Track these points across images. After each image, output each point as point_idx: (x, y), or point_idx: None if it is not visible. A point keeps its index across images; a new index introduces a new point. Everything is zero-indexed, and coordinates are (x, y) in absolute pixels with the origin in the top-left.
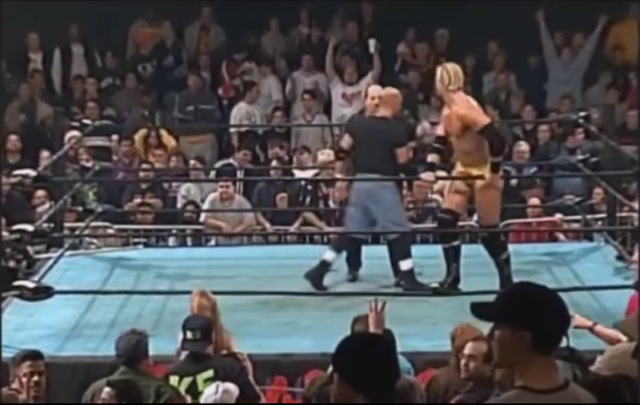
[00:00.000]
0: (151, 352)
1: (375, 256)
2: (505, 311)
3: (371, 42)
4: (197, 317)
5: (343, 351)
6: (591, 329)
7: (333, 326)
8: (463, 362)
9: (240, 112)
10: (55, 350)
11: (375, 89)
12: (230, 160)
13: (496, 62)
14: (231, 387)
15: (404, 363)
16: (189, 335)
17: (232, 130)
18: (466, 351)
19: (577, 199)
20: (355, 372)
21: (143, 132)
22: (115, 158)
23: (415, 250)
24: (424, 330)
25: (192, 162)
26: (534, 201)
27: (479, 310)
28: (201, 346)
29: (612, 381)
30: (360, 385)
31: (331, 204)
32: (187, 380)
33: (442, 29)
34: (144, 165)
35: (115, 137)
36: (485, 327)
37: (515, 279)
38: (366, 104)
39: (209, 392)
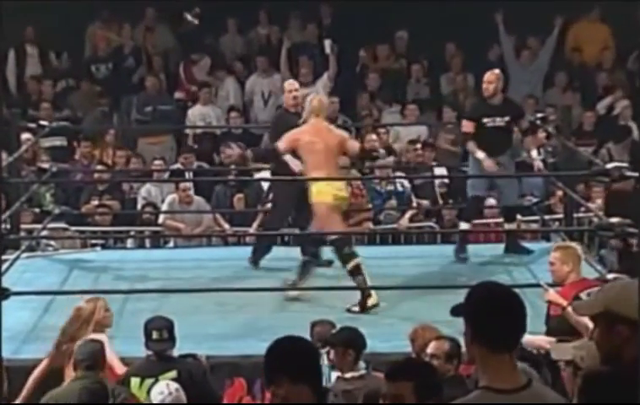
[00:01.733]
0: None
1: None
2: (463, 309)
3: (327, 43)
4: (162, 317)
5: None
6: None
7: (292, 327)
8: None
9: (195, 114)
10: (12, 353)
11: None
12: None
13: (453, 63)
14: (178, 385)
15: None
16: (155, 335)
17: (188, 131)
18: (429, 350)
19: (536, 200)
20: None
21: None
22: (77, 158)
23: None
24: (381, 331)
25: (156, 162)
26: (493, 201)
27: (456, 309)
28: (166, 346)
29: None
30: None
31: None
32: (149, 382)
33: (401, 31)
34: (100, 166)
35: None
36: (443, 327)
37: (473, 280)
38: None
39: (162, 394)
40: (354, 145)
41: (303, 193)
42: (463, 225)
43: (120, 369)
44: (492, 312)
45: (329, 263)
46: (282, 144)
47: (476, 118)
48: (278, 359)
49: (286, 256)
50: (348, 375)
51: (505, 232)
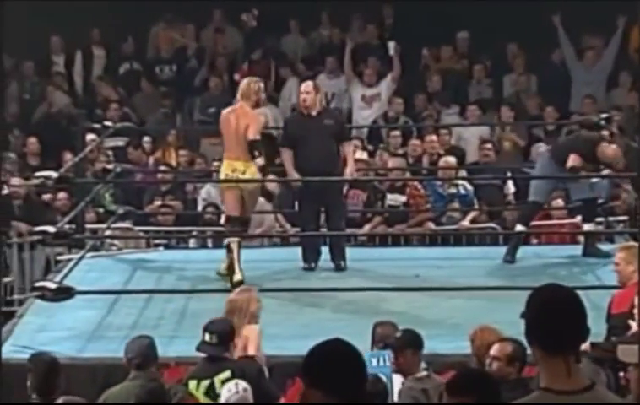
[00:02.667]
0: (172, 354)
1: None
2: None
3: (391, 44)
4: (218, 321)
5: (313, 358)
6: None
7: (353, 328)
8: (487, 362)
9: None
10: (76, 351)
11: (309, 85)
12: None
13: (516, 64)
14: (248, 386)
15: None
16: (207, 338)
17: None
18: (492, 352)
19: (600, 201)
20: (326, 378)
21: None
22: (150, 161)
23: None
24: (445, 331)
25: (215, 163)
26: (558, 202)
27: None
28: (217, 350)
29: None
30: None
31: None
32: (205, 383)
33: (462, 32)
34: (163, 167)
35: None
36: (505, 328)
37: (536, 282)
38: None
39: (229, 391)
40: (250, 132)
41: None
42: (519, 228)
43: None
44: (546, 314)
45: None
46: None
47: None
48: (315, 368)
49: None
50: (419, 375)
51: (569, 233)
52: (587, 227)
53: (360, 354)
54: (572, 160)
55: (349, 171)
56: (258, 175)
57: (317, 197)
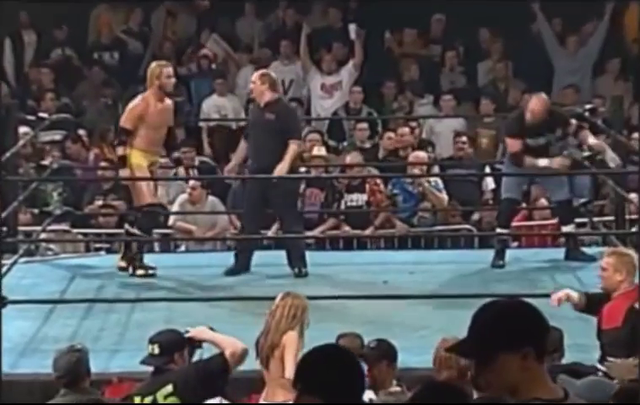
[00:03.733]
0: (115, 369)
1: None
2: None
3: (352, 27)
4: (162, 331)
5: (308, 363)
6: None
7: (314, 340)
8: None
9: (209, 105)
10: (9, 367)
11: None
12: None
13: (492, 50)
14: None
15: None
16: (149, 349)
17: (201, 125)
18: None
19: (583, 200)
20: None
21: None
22: (90, 156)
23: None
24: (415, 343)
25: (161, 160)
26: (542, 202)
27: (461, 350)
28: (160, 361)
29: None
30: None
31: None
32: (148, 400)
33: (437, 14)
34: (104, 163)
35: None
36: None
37: (516, 288)
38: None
39: None
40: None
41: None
42: (499, 230)
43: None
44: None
45: None
46: None
47: (521, 133)
48: (310, 372)
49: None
50: (392, 390)
51: (550, 235)
52: (566, 229)
53: (357, 359)
54: (510, 146)
55: (279, 168)
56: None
57: (258, 196)
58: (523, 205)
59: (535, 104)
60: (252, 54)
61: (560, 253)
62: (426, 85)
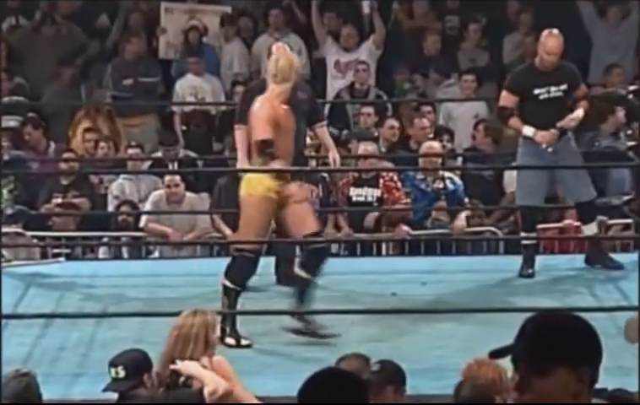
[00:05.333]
0: (77, 395)
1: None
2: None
3: (365, 2)
4: (126, 351)
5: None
6: None
7: (313, 363)
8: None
9: (184, 87)
10: None
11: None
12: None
13: (521, 22)
14: None
15: None
16: (112, 373)
17: (175, 109)
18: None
19: (626, 198)
20: None
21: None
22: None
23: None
24: (430, 365)
25: (131, 150)
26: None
27: (513, 354)
28: (127, 386)
29: None
30: None
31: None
32: None
33: None
34: (66, 155)
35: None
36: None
37: (546, 301)
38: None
39: None
40: None
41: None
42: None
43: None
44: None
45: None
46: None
47: (520, 90)
48: (311, 399)
49: None
50: None
51: (584, 239)
52: (587, 231)
53: (363, 383)
54: (502, 99)
55: (334, 157)
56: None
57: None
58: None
59: (547, 41)
60: (237, 25)
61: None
62: (442, 64)
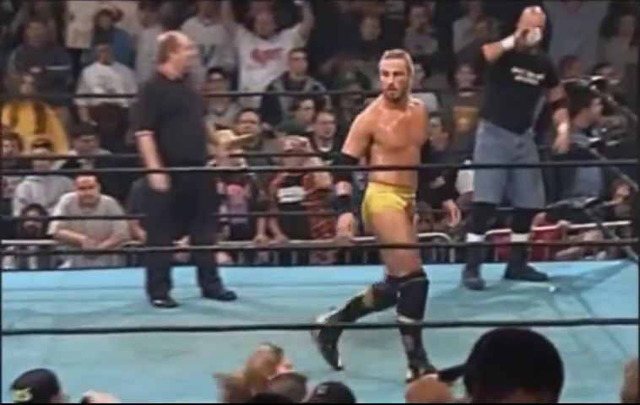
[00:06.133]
0: None
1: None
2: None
3: None
4: (30, 371)
5: None
6: None
7: None
8: None
9: (91, 76)
10: None
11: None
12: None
13: (471, 5)
14: None
15: None
16: (16, 396)
17: (81, 102)
18: None
19: (590, 199)
20: None
21: None
22: None
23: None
24: (378, 386)
25: (36, 150)
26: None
27: (464, 376)
28: None
29: None
30: None
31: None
32: None
33: None
34: None
35: None
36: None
37: (501, 314)
38: None
39: None
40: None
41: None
42: (472, 238)
43: None
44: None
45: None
46: None
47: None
48: None
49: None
50: None
51: (540, 245)
52: (517, 239)
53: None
54: (488, 50)
55: (223, 155)
56: None
57: (178, 196)
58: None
59: (532, 17)
60: (159, 11)
61: (562, 269)
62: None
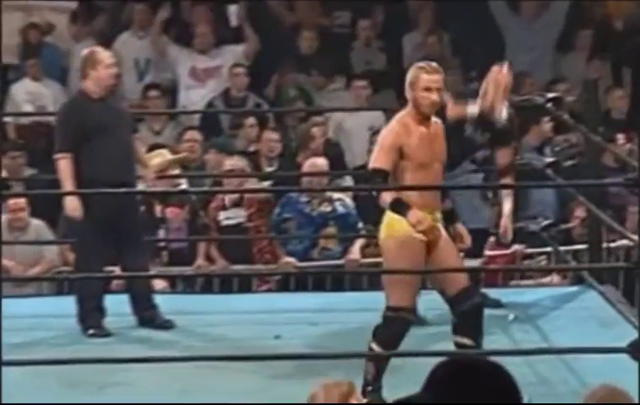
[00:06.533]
0: None
1: None
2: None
3: (233, 9)
4: None
5: None
6: None
7: None
8: None
9: (19, 92)
10: None
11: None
12: None
13: (422, 19)
14: None
15: None
16: None
17: (8, 120)
18: None
19: (545, 222)
20: None
21: None
22: None
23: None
24: None
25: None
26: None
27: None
28: None
29: None
30: None
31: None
32: None
33: None
34: None
35: None
36: None
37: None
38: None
39: None
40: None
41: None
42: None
43: None
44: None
45: None
46: None
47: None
48: None
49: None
50: None
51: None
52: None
53: None
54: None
55: (150, 176)
56: None
57: (107, 220)
58: None
59: (497, 80)
60: (91, 25)
61: (517, 295)
62: (332, 67)
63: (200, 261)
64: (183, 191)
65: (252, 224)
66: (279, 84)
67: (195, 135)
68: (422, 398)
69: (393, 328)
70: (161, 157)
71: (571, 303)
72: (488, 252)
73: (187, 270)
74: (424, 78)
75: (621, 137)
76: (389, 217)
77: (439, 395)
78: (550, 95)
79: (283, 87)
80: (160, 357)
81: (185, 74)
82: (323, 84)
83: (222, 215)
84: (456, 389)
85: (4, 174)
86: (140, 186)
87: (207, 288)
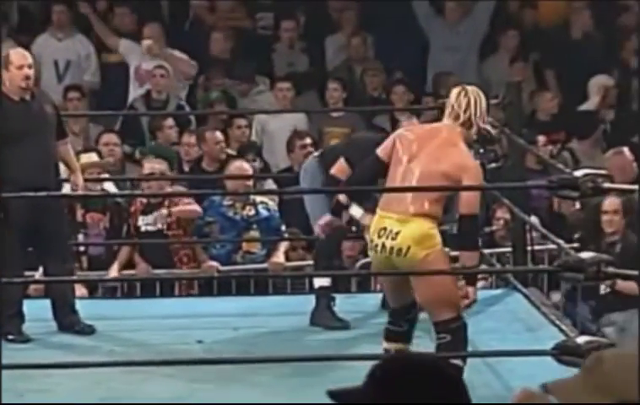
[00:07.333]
0: None
1: None
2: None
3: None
4: None
5: None
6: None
7: None
8: None
9: None
10: None
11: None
12: None
13: (344, 20)
14: None
15: None
16: None
17: None
18: None
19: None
20: None
21: None
22: None
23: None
24: None
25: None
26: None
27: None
28: None
29: None
30: None
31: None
32: None
33: None
34: None
35: None
36: None
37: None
38: None
39: None
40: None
41: None
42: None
43: None
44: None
45: None
46: None
47: None
48: None
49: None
50: None
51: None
52: None
53: None
54: (336, 169)
55: (77, 180)
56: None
57: (27, 224)
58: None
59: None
60: (8, 25)
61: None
62: (255, 69)
63: (117, 265)
64: (106, 195)
65: (172, 231)
66: (202, 86)
67: (113, 138)
68: (363, 395)
69: (464, 333)
70: (88, 160)
71: (495, 306)
72: None
73: (107, 275)
74: None
75: (542, 139)
76: (421, 236)
77: (382, 393)
78: None
79: (205, 89)
80: (81, 362)
81: (132, 73)
82: (247, 88)
83: (141, 220)
84: (396, 387)
85: None
86: (65, 190)
87: (129, 294)
